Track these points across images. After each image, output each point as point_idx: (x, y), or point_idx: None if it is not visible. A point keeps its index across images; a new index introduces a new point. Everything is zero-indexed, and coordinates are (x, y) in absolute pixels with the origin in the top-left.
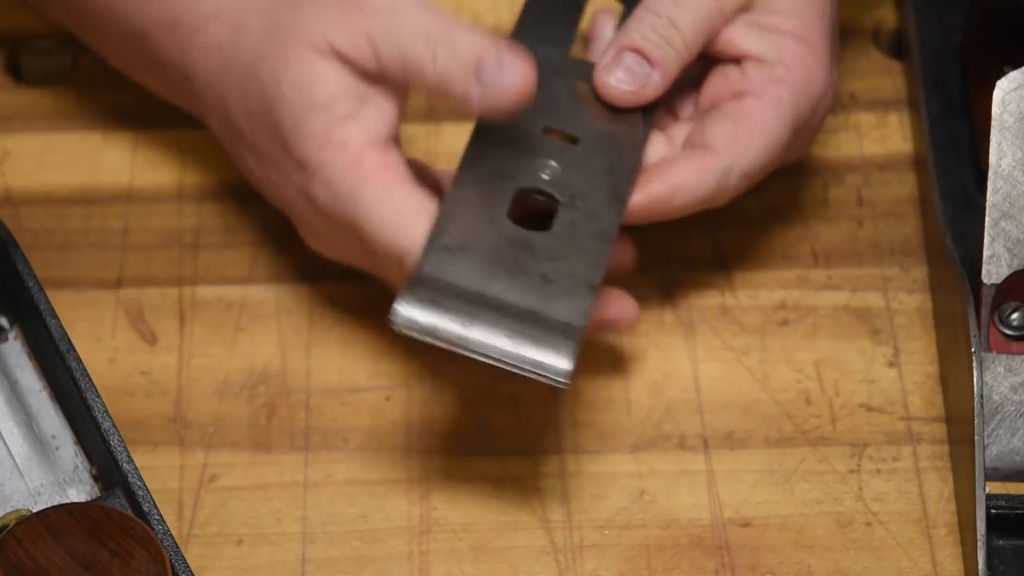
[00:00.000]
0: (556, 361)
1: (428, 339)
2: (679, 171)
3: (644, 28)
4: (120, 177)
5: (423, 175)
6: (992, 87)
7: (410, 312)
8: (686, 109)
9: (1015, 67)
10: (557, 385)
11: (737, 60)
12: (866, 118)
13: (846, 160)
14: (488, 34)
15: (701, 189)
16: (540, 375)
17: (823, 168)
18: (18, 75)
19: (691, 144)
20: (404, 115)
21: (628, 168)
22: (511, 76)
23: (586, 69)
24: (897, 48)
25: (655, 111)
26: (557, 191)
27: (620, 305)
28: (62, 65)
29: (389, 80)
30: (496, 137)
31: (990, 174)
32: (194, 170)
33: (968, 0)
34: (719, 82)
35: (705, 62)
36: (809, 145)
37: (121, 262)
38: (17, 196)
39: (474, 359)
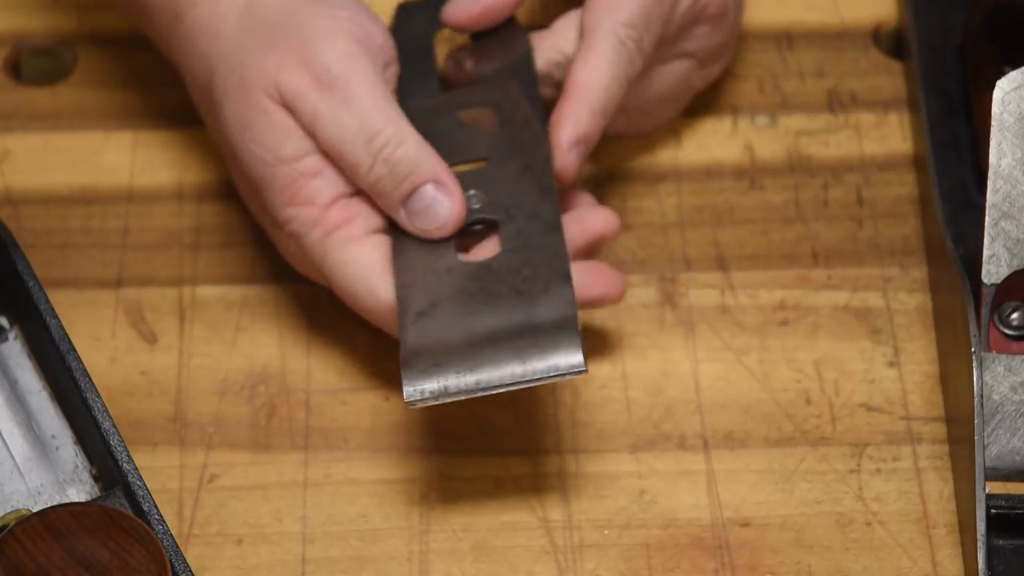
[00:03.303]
0: (567, 358)
1: (445, 400)
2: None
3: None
4: (120, 177)
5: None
6: (992, 87)
7: (417, 387)
8: None
9: (1015, 67)
10: (578, 376)
11: None
12: (866, 118)
13: (846, 160)
14: (423, 150)
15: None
16: (558, 377)
17: (823, 168)
18: (18, 75)
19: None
20: None
21: (543, 157)
22: (444, 211)
23: (461, 97)
24: (897, 48)
25: (538, 97)
26: (490, 213)
27: (606, 280)
28: (62, 65)
29: None
30: None
31: (990, 174)
32: (194, 170)
33: (968, 0)
34: None
35: None
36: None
37: (121, 262)
38: (17, 196)
39: (496, 394)
